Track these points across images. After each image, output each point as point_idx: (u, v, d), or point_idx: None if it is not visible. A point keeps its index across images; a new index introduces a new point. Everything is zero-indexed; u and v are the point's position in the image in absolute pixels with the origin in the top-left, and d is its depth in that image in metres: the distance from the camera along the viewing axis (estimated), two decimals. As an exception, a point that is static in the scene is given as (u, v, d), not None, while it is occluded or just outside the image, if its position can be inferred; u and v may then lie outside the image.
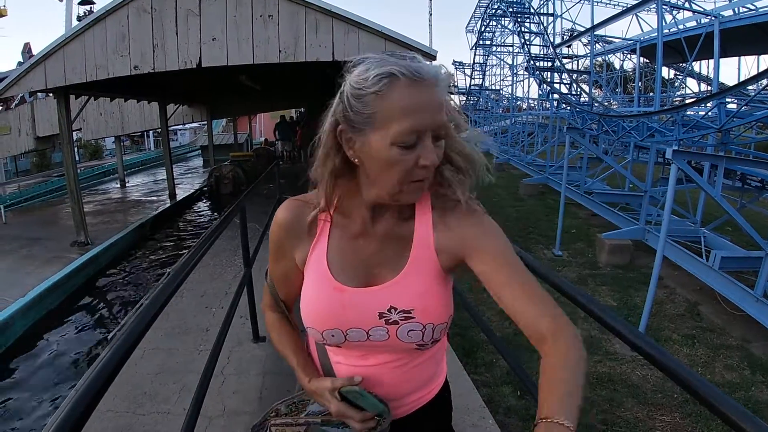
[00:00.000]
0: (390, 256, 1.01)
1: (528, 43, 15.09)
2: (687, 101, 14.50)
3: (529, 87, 25.09)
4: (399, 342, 1.00)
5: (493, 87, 29.22)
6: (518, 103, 26.78)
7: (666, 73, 19.49)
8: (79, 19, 25.62)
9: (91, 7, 25.87)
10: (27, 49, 26.47)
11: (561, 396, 0.78)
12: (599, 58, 19.95)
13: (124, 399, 3.25)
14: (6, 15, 25.18)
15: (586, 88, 16.85)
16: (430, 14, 16.41)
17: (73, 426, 0.87)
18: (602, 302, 6.22)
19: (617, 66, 23.34)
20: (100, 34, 7.57)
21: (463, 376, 3.34)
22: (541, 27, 15.67)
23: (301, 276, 1.08)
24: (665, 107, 10.98)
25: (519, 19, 15.62)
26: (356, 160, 0.93)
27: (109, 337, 5.50)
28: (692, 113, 8.25)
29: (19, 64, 24.63)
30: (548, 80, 13.44)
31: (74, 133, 11.56)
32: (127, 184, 19.08)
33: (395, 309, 0.98)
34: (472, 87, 28.89)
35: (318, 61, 7.21)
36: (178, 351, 3.94)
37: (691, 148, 7.65)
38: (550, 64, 14.14)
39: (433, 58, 7.41)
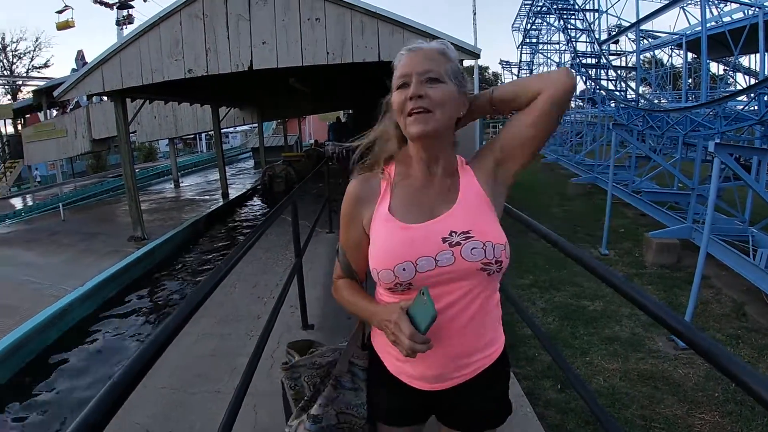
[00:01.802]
0: (444, 198, 1.21)
1: (574, 39, 14.88)
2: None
3: (576, 85, 24.60)
4: (464, 262, 1.14)
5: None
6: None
7: (716, 68, 18.81)
8: (117, 23, 26.60)
9: (129, 12, 26.72)
10: (80, 56, 27.58)
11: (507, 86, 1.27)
12: (647, 54, 19.41)
13: (179, 378, 3.50)
14: (74, 26, 26.32)
15: (633, 84, 16.48)
16: (474, 13, 16.37)
17: (115, 401, 0.96)
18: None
19: (667, 62, 22.68)
20: (155, 39, 8.00)
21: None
22: (586, 23, 15.41)
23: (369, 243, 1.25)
24: (706, 101, 10.68)
25: (564, 16, 15.41)
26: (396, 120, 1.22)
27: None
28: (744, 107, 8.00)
29: (73, 70, 25.74)
30: (594, 77, 13.22)
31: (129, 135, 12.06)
32: (180, 185, 19.80)
33: (455, 232, 1.15)
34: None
35: (365, 62, 7.39)
36: (231, 336, 4.17)
37: (740, 143, 7.44)
38: (595, 60, 13.90)
39: (476, 56, 7.47)
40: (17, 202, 18.53)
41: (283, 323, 3.96)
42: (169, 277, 8.51)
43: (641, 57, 19.01)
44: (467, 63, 8.48)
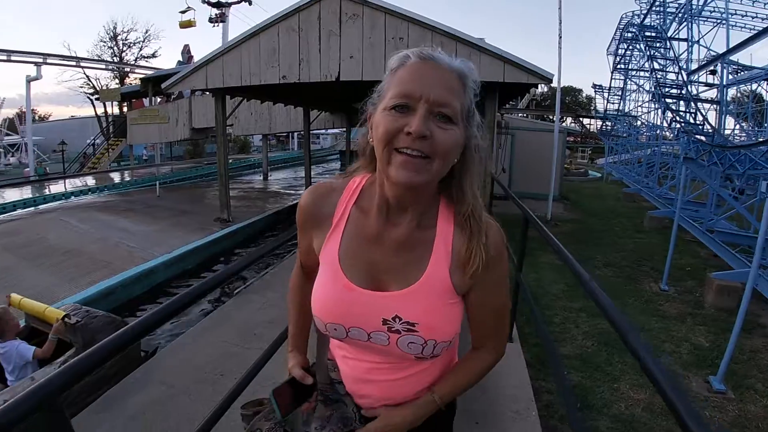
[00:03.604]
0: (403, 265, 1.00)
1: (663, 69, 14.53)
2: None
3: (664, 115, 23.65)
4: (398, 350, 1.01)
5: (632, 113, 27.83)
6: (657, 131, 25.31)
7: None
8: (210, 21, 28.37)
9: (223, 10, 28.33)
10: (186, 50, 29.90)
11: (451, 382, 1.11)
12: (746, 88, 18.43)
13: (238, 336, 4.24)
14: (195, 26, 28.47)
15: (731, 119, 15.71)
16: (560, 36, 16.23)
17: (143, 330, 1.35)
18: (694, 341, 6.11)
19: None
20: (254, 47, 8.98)
21: (522, 371, 3.65)
22: (673, 53, 14.96)
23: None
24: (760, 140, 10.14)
25: (650, 44, 15.08)
26: (371, 140, 0.96)
27: (234, 292, 6.60)
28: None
29: (179, 63, 27.96)
30: (674, 108, 12.90)
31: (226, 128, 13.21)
32: (269, 177, 21.49)
33: (400, 319, 0.98)
34: (608, 112, 27.87)
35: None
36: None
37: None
38: (677, 91, 13.53)
39: (548, 81, 7.71)
40: (116, 177, 20.51)
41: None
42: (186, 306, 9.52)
43: (740, 90, 18.09)
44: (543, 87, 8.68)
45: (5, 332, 3.70)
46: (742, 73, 16.39)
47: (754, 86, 17.70)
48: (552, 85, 8.43)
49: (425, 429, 1.13)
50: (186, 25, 28.55)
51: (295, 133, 39.31)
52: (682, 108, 13.06)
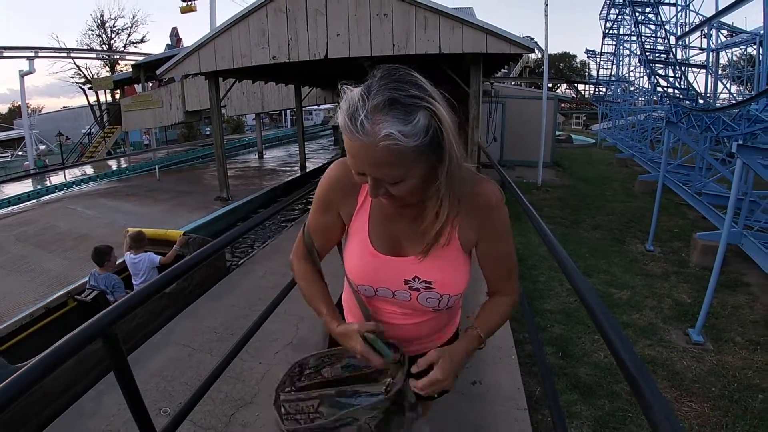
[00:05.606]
0: (418, 233, 1.12)
1: (653, 34, 14.58)
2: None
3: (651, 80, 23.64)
4: (418, 305, 1.20)
5: (626, 78, 27.87)
6: (651, 96, 25.42)
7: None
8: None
9: None
10: (174, 33, 29.75)
11: (488, 321, 1.24)
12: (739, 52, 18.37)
13: (244, 300, 4.62)
14: (195, 10, 28.29)
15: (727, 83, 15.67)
16: (546, 4, 15.95)
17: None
18: (676, 297, 6.36)
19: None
20: (244, 29, 9.16)
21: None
22: (660, 17, 14.99)
23: (340, 230, 1.29)
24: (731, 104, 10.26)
25: (637, 9, 15.11)
26: None
27: (240, 263, 6.94)
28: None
29: (168, 46, 27.84)
30: (658, 72, 13.01)
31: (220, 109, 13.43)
32: (264, 156, 21.60)
33: (419, 278, 1.16)
34: (601, 78, 27.93)
35: (427, 54, 8.06)
36: (290, 275, 5.17)
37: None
38: (664, 56, 13.64)
39: (530, 50, 7.93)
40: (113, 164, 20.67)
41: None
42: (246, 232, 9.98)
43: (736, 54, 18.05)
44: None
45: (141, 248, 5.27)
46: (735, 36, 16.37)
47: (751, 50, 17.70)
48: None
49: None
50: (187, 10, 28.36)
51: (288, 111, 39.28)
52: (670, 73, 13.16)
